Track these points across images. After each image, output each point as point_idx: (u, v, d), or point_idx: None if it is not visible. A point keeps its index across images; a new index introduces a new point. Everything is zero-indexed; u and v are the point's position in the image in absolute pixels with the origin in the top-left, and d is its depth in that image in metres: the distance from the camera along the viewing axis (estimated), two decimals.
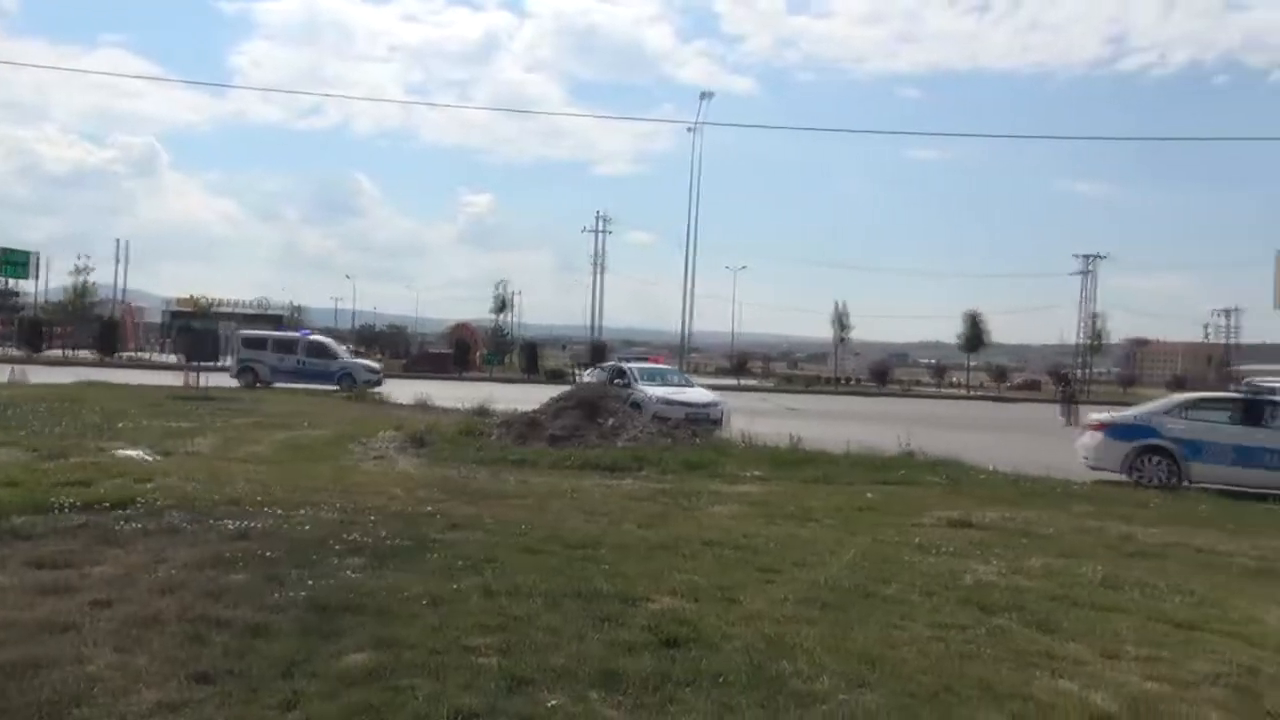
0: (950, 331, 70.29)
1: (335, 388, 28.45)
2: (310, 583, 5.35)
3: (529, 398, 19.16)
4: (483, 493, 9.34)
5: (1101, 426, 14.89)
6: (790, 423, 18.98)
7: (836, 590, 5.91)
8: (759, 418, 20.03)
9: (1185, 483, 13.55)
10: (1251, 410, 14.20)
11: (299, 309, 76.90)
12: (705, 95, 41.98)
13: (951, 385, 66.20)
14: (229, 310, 65.76)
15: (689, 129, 42.58)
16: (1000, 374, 70.62)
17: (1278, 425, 13.85)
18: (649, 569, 6.24)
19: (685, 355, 49.85)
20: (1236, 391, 16.20)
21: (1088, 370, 72.97)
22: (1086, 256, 74.50)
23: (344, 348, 35.06)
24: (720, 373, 68.47)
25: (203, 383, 23.26)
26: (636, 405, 18.52)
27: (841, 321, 64.25)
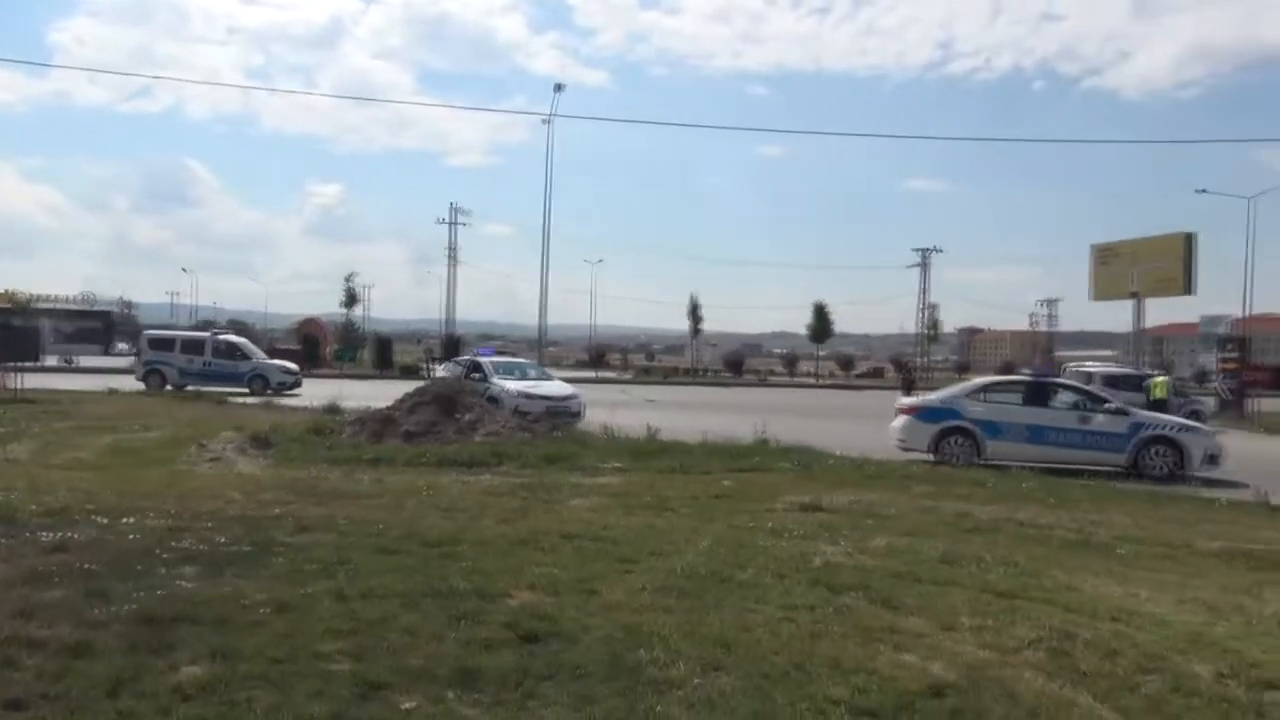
0: (800, 322, 72.73)
1: (246, 390, 26.84)
2: (138, 595, 5.04)
3: (382, 394, 18.63)
4: (334, 493, 9.02)
5: (910, 410, 15.82)
6: (648, 414, 19.17)
7: (693, 577, 6.01)
8: (618, 409, 20.15)
9: (983, 460, 14.55)
10: (1038, 392, 15.44)
11: (130, 304, 72.21)
12: (558, 87, 41.78)
13: (803, 375, 68.45)
14: (50, 306, 61.01)
15: (544, 120, 42.35)
16: (847, 363, 73.51)
17: (1060, 406, 15.16)
18: (508, 564, 6.20)
19: (543, 348, 49.61)
20: (1025, 376, 17.51)
21: (926, 358, 76.91)
22: (923, 250, 78.47)
23: (257, 348, 31.96)
24: (579, 365, 68.51)
25: (24, 384, 21.49)
26: (494, 400, 18.32)
27: (697, 313, 65.34)
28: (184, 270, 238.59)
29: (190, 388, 26.84)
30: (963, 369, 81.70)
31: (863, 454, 13.97)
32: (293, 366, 31.41)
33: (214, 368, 28.11)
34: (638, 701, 3.90)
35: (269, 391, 26.98)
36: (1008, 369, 79.85)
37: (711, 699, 3.96)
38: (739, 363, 66.00)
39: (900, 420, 15.79)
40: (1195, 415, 28.54)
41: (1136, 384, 28.76)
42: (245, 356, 29.04)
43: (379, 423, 14.13)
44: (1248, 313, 49.24)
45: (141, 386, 26.84)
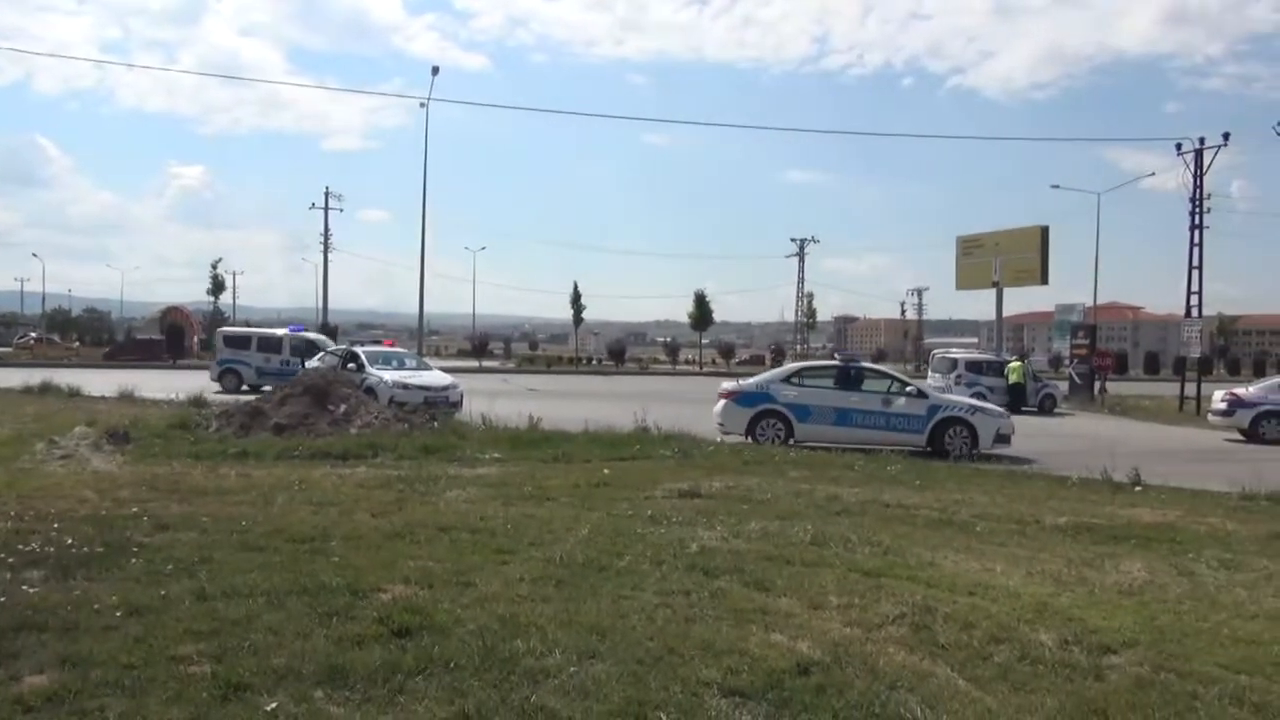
0: (683, 311, 73.62)
1: None
2: None
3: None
4: (197, 489, 8.64)
5: (729, 394, 16.26)
6: (530, 403, 19.06)
7: (570, 566, 6.02)
8: (499, 399, 19.94)
9: (794, 442, 15.08)
10: (846, 377, 16.16)
11: None
12: (435, 70, 40.63)
13: (686, 363, 69.33)
14: None
15: (421, 104, 41.15)
16: (728, 351, 74.85)
17: (867, 390, 15.90)
18: (381, 558, 6.07)
19: (423, 338, 48.65)
20: (834, 361, 18.33)
21: (805, 346, 79.05)
22: (801, 240, 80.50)
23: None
24: (461, 354, 67.57)
25: None
26: (370, 390, 17.91)
27: (579, 302, 65.31)
28: (34, 255, 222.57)
29: (267, 388, 25.17)
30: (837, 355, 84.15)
31: (740, 440, 14.26)
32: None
33: (293, 367, 26.10)
34: (511, 692, 3.88)
35: None
36: (880, 356, 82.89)
37: (586, 686, 3.98)
38: (621, 351, 66.37)
39: (720, 404, 16.24)
40: (1049, 398, 30.36)
41: (997, 369, 30.29)
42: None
43: (247, 415, 13.59)
44: (1096, 302, 52.46)
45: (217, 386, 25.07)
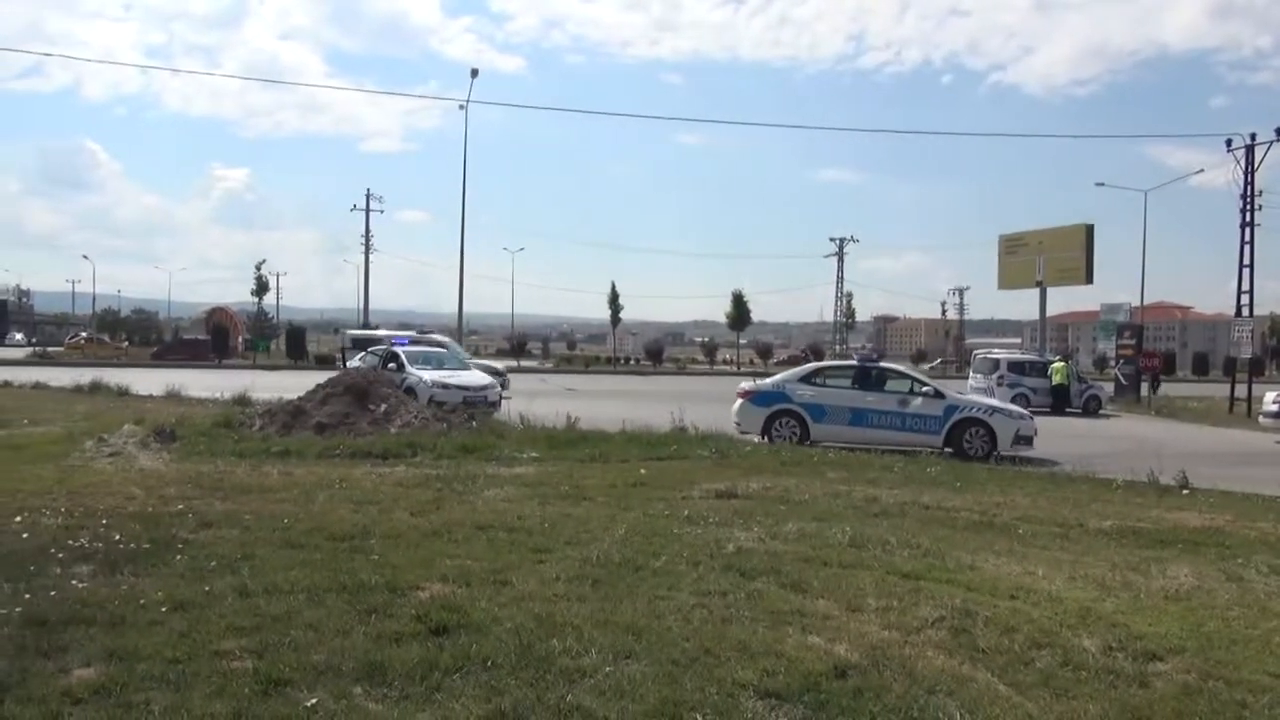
0: (721, 311, 73.40)
1: None
2: (26, 596, 4.85)
3: (295, 385, 18.18)
4: (241, 487, 8.78)
5: (746, 394, 16.19)
6: (568, 403, 19.14)
7: (607, 566, 6.03)
8: (537, 398, 20.07)
9: (810, 442, 14.95)
10: (863, 377, 15.97)
11: (25, 292, 68.85)
12: (474, 73, 41.00)
13: (723, 363, 69.12)
14: None
15: (460, 106, 41.57)
16: (766, 351, 74.49)
17: (885, 390, 15.70)
18: (419, 557, 6.13)
19: (463, 337, 49.07)
20: (853, 361, 18.08)
21: (844, 346, 78.48)
22: (839, 239, 79.92)
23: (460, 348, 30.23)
24: (500, 354, 68.00)
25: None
26: (410, 390, 18.07)
27: (617, 302, 65.38)
28: (84, 257, 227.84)
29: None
30: (879, 356, 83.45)
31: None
32: (500, 367, 29.76)
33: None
34: (547, 691, 3.90)
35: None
36: (920, 356, 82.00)
37: (621, 686, 3.98)
38: (659, 351, 66.40)
39: (737, 404, 16.20)
40: (1093, 399, 29.85)
41: (1040, 370, 29.84)
42: (454, 358, 27.73)
43: (289, 415, 13.78)
44: (1143, 301, 51.50)
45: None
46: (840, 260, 78.26)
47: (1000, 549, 7.16)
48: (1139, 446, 16.74)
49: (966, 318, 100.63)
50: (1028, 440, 15.25)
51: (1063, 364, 30.30)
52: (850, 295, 78.23)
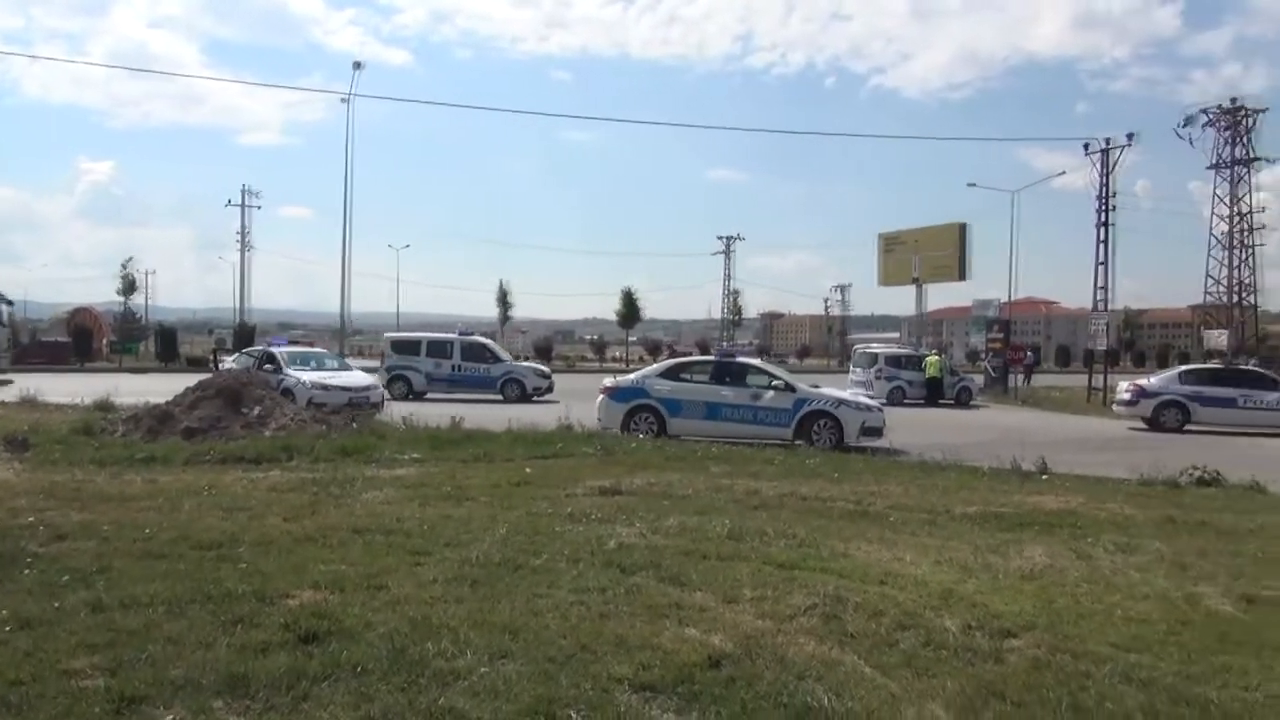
0: (611, 308, 73.57)
1: (499, 397, 24.88)
2: None
3: (164, 389, 17.34)
4: (100, 496, 8.33)
5: (607, 391, 16.57)
6: (453, 402, 18.89)
7: (486, 566, 5.98)
8: (422, 399, 19.73)
9: (668, 436, 15.30)
10: (720, 372, 16.43)
11: None
12: (357, 65, 39.98)
13: (613, 360, 69.29)
14: None
15: (342, 99, 40.42)
16: (655, 348, 75.08)
17: (740, 384, 16.12)
18: (291, 563, 5.95)
19: (346, 337, 47.73)
20: (710, 356, 18.59)
21: (731, 342, 79.74)
22: (727, 238, 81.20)
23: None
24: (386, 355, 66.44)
25: None
26: (288, 392, 17.52)
27: (506, 300, 64.85)
28: None
29: (433, 395, 24.34)
30: (763, 352, 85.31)
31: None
32: (545, 369, 28.96)
33: (465, 372, 25.96)
34: (419, 695, 3.84)
35: (526, 398, 25.24)
36: (804, 352, 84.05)
37: (496, 686, 3.96)
38: (549, 349, 66.08)
39: (599, 400, 16.51)
40: (965, 391, 31.22)
41: (916, 363, 31.03)
42: (497, 359, 26.91)
43: (156, 419, 13.16)
44: (1012, 297, 54.05)
45: None
46: (728, 258, 79.54)
47: (872, 536, 7.42)
48: (1005, 435, 17.62)
49: (849, 314, 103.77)
50: (875, 432, 15.71)
51: (937, 357, 31.60)
52: (738, 293, 79.64)
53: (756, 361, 17.39)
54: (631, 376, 17.27)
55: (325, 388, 18.59)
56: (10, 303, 31.19)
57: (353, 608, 4.96)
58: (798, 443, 15.09)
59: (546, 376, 27.74)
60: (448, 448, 12.47)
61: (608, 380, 17.42)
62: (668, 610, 5.16)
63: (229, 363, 22.55)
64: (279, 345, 21.99)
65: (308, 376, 19.06)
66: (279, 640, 4.42)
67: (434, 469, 10.72)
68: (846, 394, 16.96)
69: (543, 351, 64.50)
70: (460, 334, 27.58)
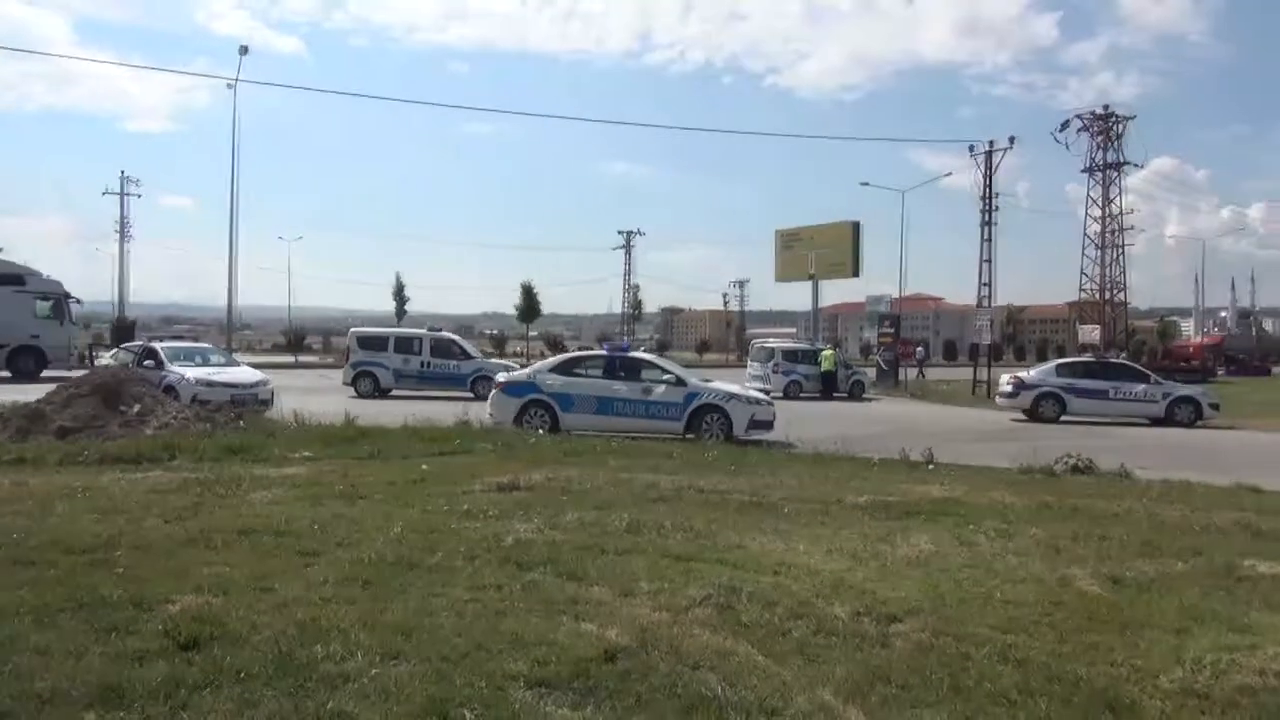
0: (511, 303, 72.91)
1: (469, 394, 23.57)
2: None
3: (36, 387, 16.43)
4: None
5: (500, 386, 16.65)
6: (347, 399, 18.43)
7: (379, 566, 5.86)
8: (314, 395, 19.23)
9: (561, 431, 15.37)
10: (612, 367, 16.63)
11: None
12: (243, 49, 38.62)
13: (513, 355, 68.64)
14: None
15: (228, 85, 38.99)
16: (555, 343, 74.76)
17: (631, 379, 16.27)
18: (172, 567, 5.71)
19: (233, 332, 46.05)
20: (601, 351, 18.72)
21: (631, 337, 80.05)
22: (627, 232, 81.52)
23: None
24: (276, 349, 64.41)
25: None
26: (171, 389, 16.81)
27: (402, 294, 63.58)
28: None
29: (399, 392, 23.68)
30: (664, 348, 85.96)
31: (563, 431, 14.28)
32: (515, 366, 27.08)
33: (434, 369, 25.32)
34: (306, 699, 3.74)
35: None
36: (703, 346, 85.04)
37: (387, 688, 3.89)
38: None
39: (492, 394, 16.53)
40: (858, 384, 32.10)
41: (811, 358, 31.76)
42: (467, 356, 26.17)
43: (26, 419, 12.45)
44: (902, 293, 55.86)
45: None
46: (628, 253, 79.93)
47: (767, 528, 7.56)
48: (895, 427, 18.23)
49: (747, 309, 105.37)
50: (765, 425, 15.96)
51: (831, 352, 32.41)
52: (638, 287, 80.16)
53: (648, 356, 17.50)
54: (524, 371, 17.26)
55: (210, 384, 17.88)
56: (79, 301, 31.88)
57: (237, 611, 4.79)
58: (688, 436, 15.26)
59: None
60: (341, 445, 12.18)
61: (500, 376, 17.29)
62: (565, 605, 5.15)
63: (107, 359, 21.46)
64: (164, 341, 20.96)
65: (192, 373, 18.30)
66: (157, 648, 4.24)
67: (326, 467, 10.44)
68: (736, 388, 17.17)
69: None
70: (430, 330, 27.24)
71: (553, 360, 17.85)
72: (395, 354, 25.72)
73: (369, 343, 26.39)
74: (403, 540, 6.60)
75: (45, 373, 27.53)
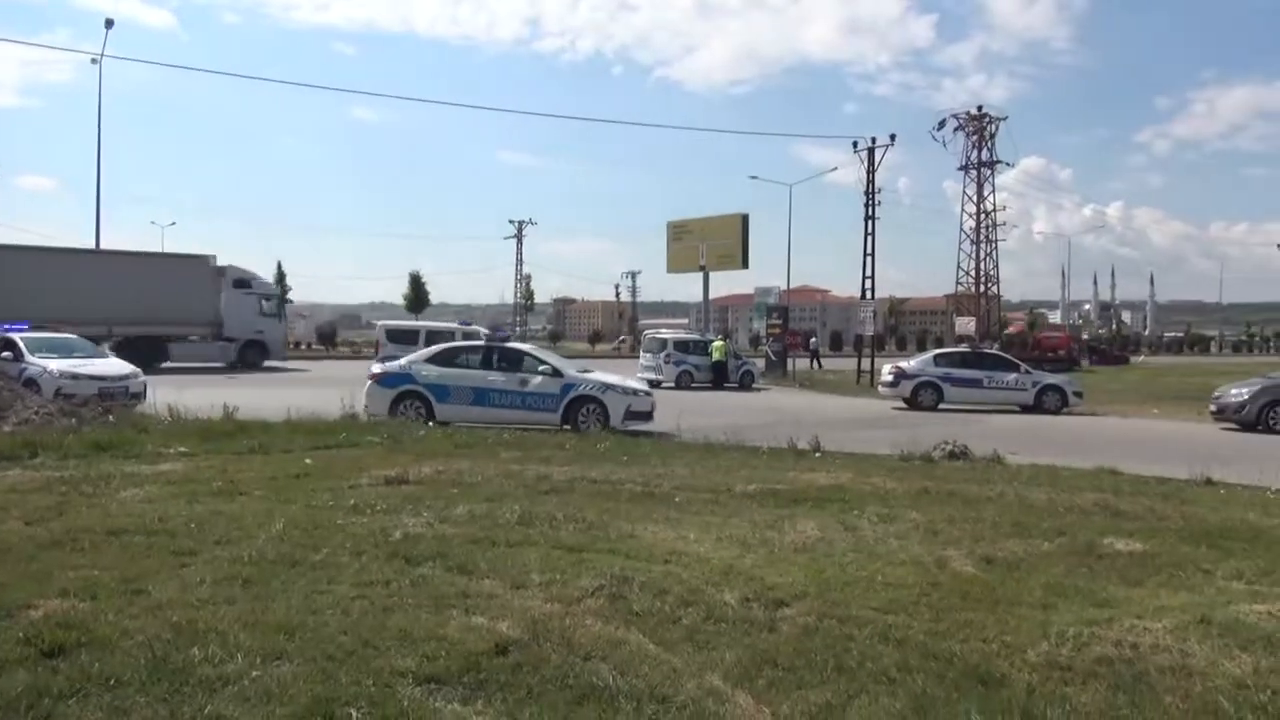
0: (399, 292, 71.45)
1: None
2: None
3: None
4: None
5: (375, 377, 16.39)
6: (227, 391, 17.70)
7: (260, 564, 5.67)
8: (190, 388, 18.39)
9: (436, 421, 15.16)
10: (489, 357, 16.60)
11: None
12: (108, 23, 36.68)
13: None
14: None
15: (93, 60, 36.93)
16: (556, 337, 73.64)
17: (508, 370, 16.22)
18: (34, 571, 5.40)
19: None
20: (484, 342, 18.57)
21: (524, 327, 79.52)
22: (518, 222, 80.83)
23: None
24: None
25: None
26: (31, 382, 15.85)
27: (284, 283, 61.43)
28: None
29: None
30: (556, 338, 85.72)
31: (453, 424, 14.09)
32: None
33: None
34: (182, 704, 3.60)
35: None
36: (596, 337, 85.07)
37: (269, 690, 3.77)
38: (332, 335, 63.35)
39: (366, 386, 16.21)
40: (748, 374, 32.70)
41: (702, 348, 32.19)
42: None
43: None
44: (790, 285, 57.17)
45: None
46: (519, 242, 79.34)
47: (659, 517, 7.63)
48: (784, 416, 18.62)
49: (639, 300, 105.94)
50: (642, 416, 16.00)
51: (722, 342, 32.91)
52: (529, 277, 79.73)
53: (526, 347, 17.30)
54: (400, 361, 16.81)
55: (76, 377, 16.90)
56: (290, 300, 36.65)
57: (106, 616, 4.56)
58: (565, 427, 15.22)
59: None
60: (220, 440, 11.71)
61: (375, 366, 16.90)
62: (454, 600, 5.09)
63: None
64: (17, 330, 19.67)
65: (55, 365, 17.26)
66: (17, 656, 4.01)
67: (204, 463, 10.03)
68: (615, 379, 17.21)
69: (326, 337, 61.70)
70: (461, 325, 27.91)
71: (430, 350, 17.38)
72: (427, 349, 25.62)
73: (399, 337, 26.53)
74: (285, 537, 6.40)
75: (265, 363, 34.25)
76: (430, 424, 14.68)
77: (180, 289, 32.44)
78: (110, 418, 13.12)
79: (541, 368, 16.15)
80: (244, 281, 35.37)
